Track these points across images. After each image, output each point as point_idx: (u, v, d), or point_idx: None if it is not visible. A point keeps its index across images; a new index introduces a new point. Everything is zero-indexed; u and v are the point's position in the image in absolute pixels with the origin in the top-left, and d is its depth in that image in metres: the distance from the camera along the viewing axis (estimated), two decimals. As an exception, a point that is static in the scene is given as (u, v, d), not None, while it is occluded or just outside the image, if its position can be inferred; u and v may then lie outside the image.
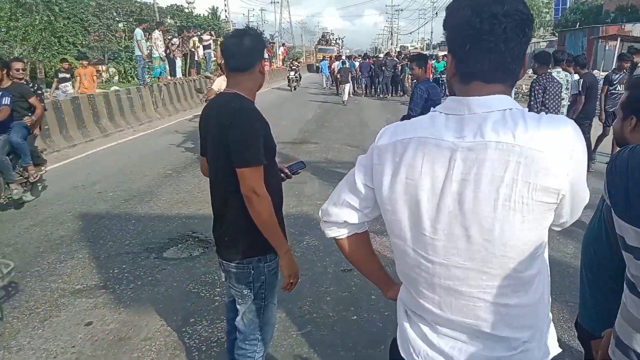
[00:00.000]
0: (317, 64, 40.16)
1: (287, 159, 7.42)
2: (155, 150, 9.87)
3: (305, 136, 11.54)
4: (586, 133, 7.72)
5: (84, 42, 30.02)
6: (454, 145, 1.05)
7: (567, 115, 6.90)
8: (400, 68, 21.71)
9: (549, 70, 6.37)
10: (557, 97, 6.05)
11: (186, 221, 5.65)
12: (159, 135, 11.83)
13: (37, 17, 18.38)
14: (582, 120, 7.38)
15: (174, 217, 5.80)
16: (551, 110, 5.91)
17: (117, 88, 19.05)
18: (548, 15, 67.72)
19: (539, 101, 5.96)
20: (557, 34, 49.95)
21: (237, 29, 2.26)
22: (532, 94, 6.10)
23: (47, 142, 9.41)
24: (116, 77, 31.74)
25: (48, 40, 19.16)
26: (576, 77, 7.67)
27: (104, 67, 34.05)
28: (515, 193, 0.99)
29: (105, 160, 9.05)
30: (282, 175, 2.40)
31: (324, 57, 36.57)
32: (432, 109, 1.17)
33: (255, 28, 2.23)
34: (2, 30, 18.61)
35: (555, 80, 6.16)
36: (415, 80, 6.37)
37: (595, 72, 14.26)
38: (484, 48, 1.04)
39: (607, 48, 32.03)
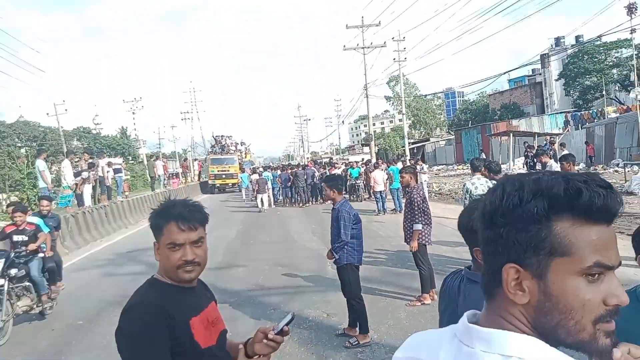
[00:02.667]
0: (213, 181, 33.60)
1: (215, 287, 6.72)
2: (64, 295, 8.74)
3: (231, 259, 10.91)
4: None
5: (-21, 172, 28.10)
6: None
7: None
8: (320, 177, 22.26)
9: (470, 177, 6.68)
10: None
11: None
12: (67, 274, 10.64)
13: None
14: None
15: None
16: None
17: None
18: (442, 116, 74.32)
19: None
20: (452, 133, 54.41)
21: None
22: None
23: None
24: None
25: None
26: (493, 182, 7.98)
27: (4, 196, 31.75)
28: None
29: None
30: (270, 344, 1.63)
31: (218, 170, 33.13)
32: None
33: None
34: None
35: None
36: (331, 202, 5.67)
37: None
38: None
39: (500, 143, 34.99)
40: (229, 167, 34.04)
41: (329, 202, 5.87)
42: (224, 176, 33.39)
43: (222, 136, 42.29)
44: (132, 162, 40.12)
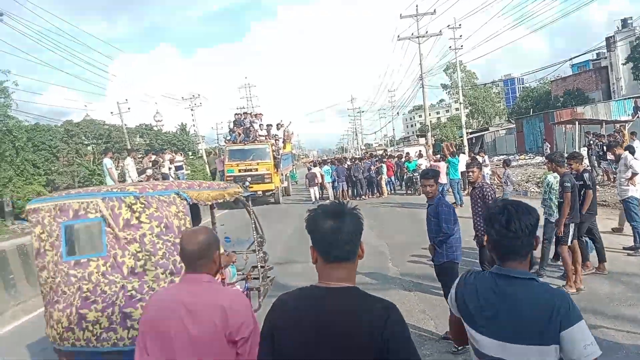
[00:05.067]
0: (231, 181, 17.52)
1: (275, 283, 6.78)
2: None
3: (289, 255, 10.97)
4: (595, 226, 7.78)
5: (52, 169, 29.79)
6: None
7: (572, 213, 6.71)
8: (375, 170, 22.09)
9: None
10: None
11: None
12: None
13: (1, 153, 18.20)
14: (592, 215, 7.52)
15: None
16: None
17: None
18: (501, 104, 71.84)
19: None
20: (513, 121, 52.46)
21: (326, 206, 1.85)
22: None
23: (12, 294, 8.60)
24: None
25: (9, 174, 18.82)
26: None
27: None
28: None
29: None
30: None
31: (239, 170, 21.04)
32: None
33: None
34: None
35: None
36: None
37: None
38: None
39: (565, 131, 33.40)
40: (257, 163, 21.45)
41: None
42: (248, 180, 20.17)
43: (244, 113, 25.78)
44: (192, 157, 41.28)
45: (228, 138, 23.91)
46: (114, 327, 3.70)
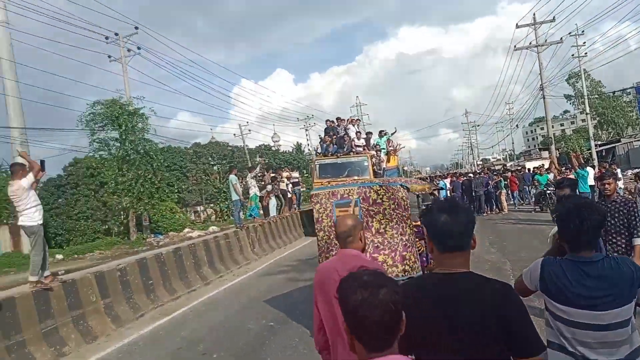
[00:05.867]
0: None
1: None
2: (256, 297, 9.59)
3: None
4: None
5: (182, 187, 32.49)
6: None
7: None
8: (494, 185, 21.17)
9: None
10: None
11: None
12: (257, 278, 11.68)
13: (139, 171, 20.18)
14: None
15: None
16: None
17: (215, 227, 19.86)
18: (633, 113, 64.99)
19: None
20: (650, 132, 47.13)
21: (440, 202, 2.15)
22: None
23: (152, 297, 9.45)
24: (213, 217, 33.53)
25: (150, 191, 20.75)
26: None
27: (202, 208, 36.28)
28: None
29: (208, 313, 8.85)
30: None
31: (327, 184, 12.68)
32: None
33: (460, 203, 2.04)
34: (112, 184, 20.58)
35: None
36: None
37: None
38: None
39: None
40: (363, 179, 15.41)
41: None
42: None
43: (338, 119, 19.71)
44: (307, 175, 42.65)
45: (318, 151, 18.84)
46: None
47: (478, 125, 79.90)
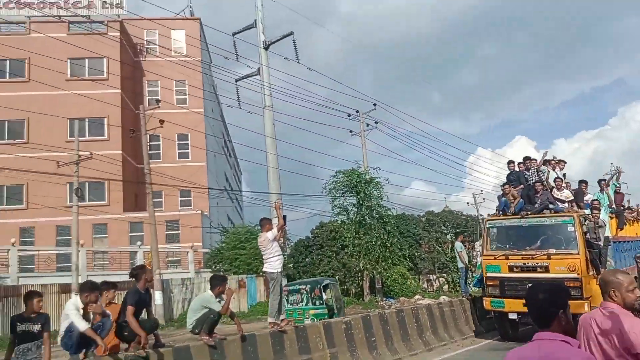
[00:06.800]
0: (499, 303, 11.40)
1: None
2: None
3: None
4: None
5: (415, 254, 32.92)
6: None
7: None
8: None
9: None
10: None
11: None
12: (484, 352, 10.98)
13: (375, 235, 21.34)
14: None
15: None
16: None
17: (445, 298, 19.47)
18: None
19: None
20: None
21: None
22: None
23: (374, 354, 9.72)
24: (445, 287, 32.96)
25: (384, 255, 21.67)
26: None
27: (434, 277, 36.07)
28: None
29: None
30: None
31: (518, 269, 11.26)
32: None
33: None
34: (349, 246, 22.19)
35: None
36: None
37: None
38: None
39: None
40: (548, 255, 11.05)
41: None
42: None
43: (527, 159, 13.51)
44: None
45: (498, 208, 12.83)
46: None
47: None
